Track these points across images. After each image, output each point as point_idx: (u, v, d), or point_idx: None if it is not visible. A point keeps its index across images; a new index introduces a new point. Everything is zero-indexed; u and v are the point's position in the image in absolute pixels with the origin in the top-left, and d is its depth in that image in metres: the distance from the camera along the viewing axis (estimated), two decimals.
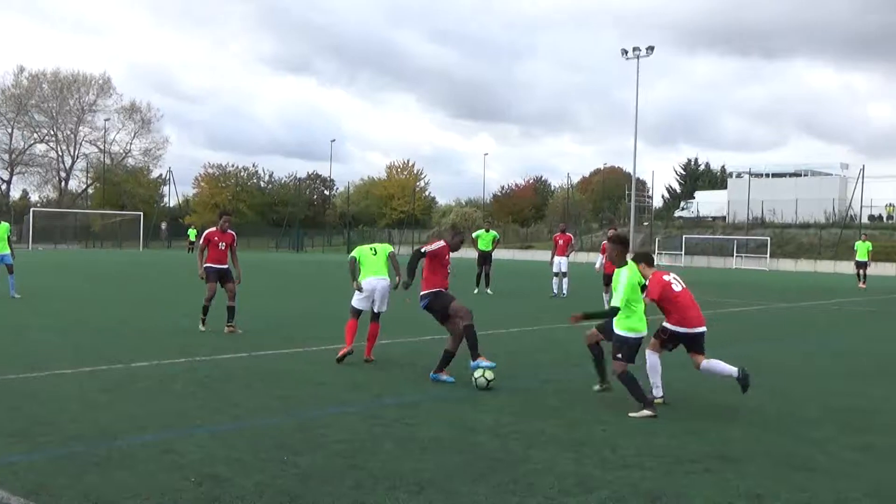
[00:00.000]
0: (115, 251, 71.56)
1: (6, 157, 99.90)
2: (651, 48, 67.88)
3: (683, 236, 69.85)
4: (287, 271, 40.28)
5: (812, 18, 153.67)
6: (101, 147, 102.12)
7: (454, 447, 7.17)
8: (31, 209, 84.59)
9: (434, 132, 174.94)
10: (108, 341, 13.46)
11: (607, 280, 20.22)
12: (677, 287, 9.45)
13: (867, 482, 6.50)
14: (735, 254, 65.52)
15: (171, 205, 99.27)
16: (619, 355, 8.92)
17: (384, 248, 12.30)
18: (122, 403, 8.69)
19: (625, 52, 69.23)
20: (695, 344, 9.37)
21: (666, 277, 9.49)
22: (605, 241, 21.11)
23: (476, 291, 25.57)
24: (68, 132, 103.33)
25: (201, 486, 5.91)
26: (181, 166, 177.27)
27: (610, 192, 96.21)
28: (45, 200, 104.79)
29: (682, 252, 67.76)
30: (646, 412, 8.61)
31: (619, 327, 9.00)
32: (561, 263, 25.76)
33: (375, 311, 12.01)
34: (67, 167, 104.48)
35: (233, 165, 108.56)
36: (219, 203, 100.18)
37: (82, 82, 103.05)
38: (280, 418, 8.15)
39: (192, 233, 68.96)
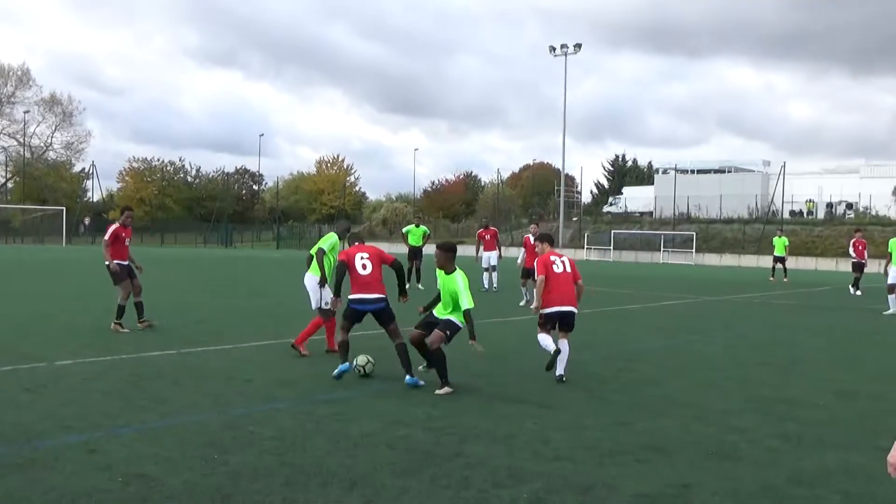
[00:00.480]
0: (37, 247, 69.67)
1: None
2: (578, 46, 68.62)
3: (612, 231, 70.83)
4: (215, 267, 39.76)
5: (734, 18, 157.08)
6: (21, 140, 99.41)
7: (386, 442, 7.16)
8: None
9: (363, 127, 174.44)
10: (29, 338, 13.10)
11: (526, 273, 20.75)
12: (558, 269, 10.78)
13: (789, 468, 6.67)
14: (662, 248, 66.70)
15: (95, 199, 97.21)
16: (448, 333, 9.86)
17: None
18: (44, 402, 8.48)
19: (553, 49, 69.88)
20: (563, 323, 10.72)
21: (552, 258, 10.87)
22: (526, 236, 21.67)
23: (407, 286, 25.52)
24: None
25: (129, 486, 5.79)
26: (105, 160, 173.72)
27: (539, 187, 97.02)
28: None
29: (611, 247, 68.72)
30: (447, 389, 9.57)
31: (455, 318, 9.95)
32: (490, 258, 25.93)
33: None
34: None
35: (158, 159, 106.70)
36: (144, 198, 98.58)
37: (0, 73, 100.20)
38: (209, 415, 8.04)
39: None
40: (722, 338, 15.72)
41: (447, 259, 10.07)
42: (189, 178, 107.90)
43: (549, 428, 7.88)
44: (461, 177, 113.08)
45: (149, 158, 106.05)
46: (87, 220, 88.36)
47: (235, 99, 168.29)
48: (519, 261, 22.11)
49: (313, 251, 12.24)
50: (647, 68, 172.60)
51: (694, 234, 66.39)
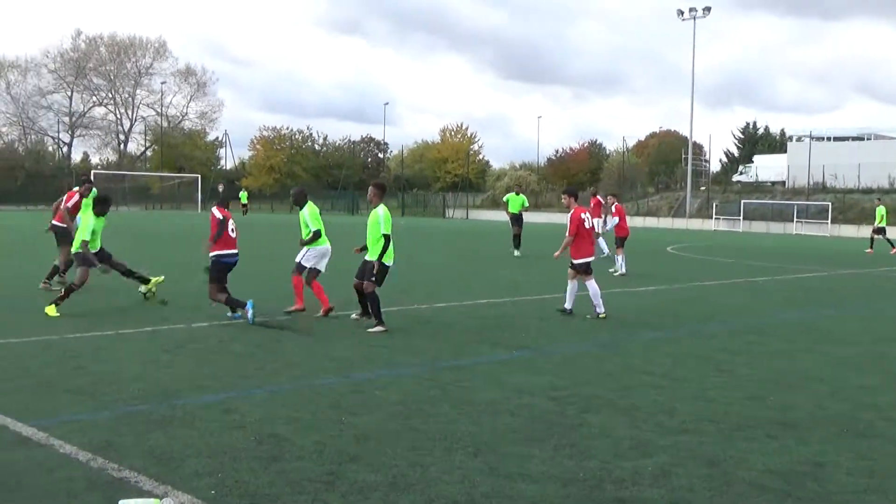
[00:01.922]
0: (173, 213, 72.56)
1: (67, 119, 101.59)
2: (708, 9, 66.55)
3: (742, 201, 68.72)
4: (342, 233, 40.62)
5: None
6: (158, 110, 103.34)
7: (510, 410, 7.20)
8: (92, 171, 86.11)
9: (486, 94, 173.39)
10: (169, 302, 13.72)
11: (619, 242, 21.16)
12: (588, 225, 12.85)
13: None
14: (795, 219, 64.37)
15: (228, 167, 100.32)
16: (373, 279, 11.32)
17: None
18: (182, 363, 8.87)
19: (681, 12, 67.96)
20: (589, 269, 12.93)
21: (583, 215, 12.80)
22: (617, 205, 22.27)
23: (517, 254, 25.87)
24: (126, 95, 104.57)
25: (262, 445, 6.02)
26: (237, 129, 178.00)
27: (666, 156, 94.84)
28: (105, 163, 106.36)
29: (741, 217, 66.76)
30: (379, 328, 11.07)
31: (384, 260, 11.42)
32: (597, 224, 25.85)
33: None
34: (126, 130, 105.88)
35: (287, 128, 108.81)
36: (274, 165, 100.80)
37: (138, 46, 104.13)
38: (337, 379, 8.25)
39: (243, 195, 68.18)
40: (857, 312, 15.13)
41: (376, 195, 11.69)
42: (316, 147, 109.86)
43: (674, 399, 7.77)
44: (585, 145, 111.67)
45: (278, 127, 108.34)
46: (220, 187, 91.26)
47: (360, 67, 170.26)
48: (608, 227, 22.79)
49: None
50: (778, 31, 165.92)
51: (829, 204, 63.79)
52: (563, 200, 13.39)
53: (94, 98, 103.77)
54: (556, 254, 13.36)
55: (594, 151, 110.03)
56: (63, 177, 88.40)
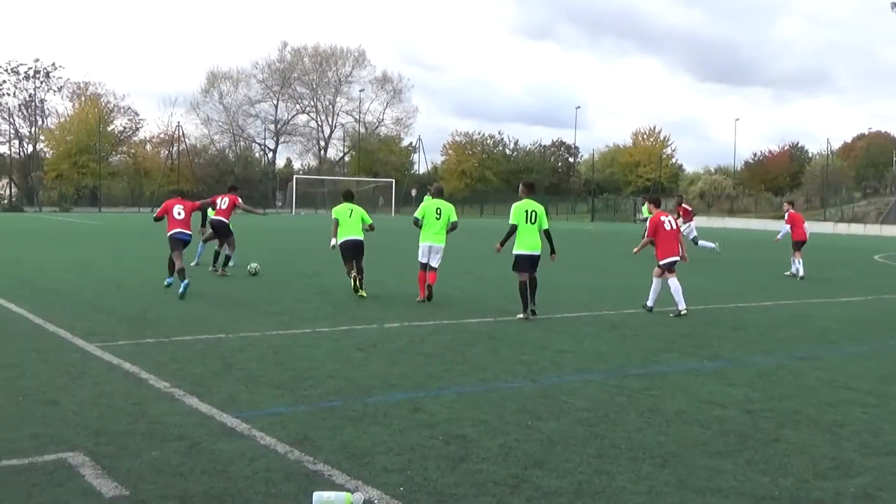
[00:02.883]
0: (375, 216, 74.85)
1: (272, 127, 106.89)
2: None
3: None
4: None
5: None
6: (356, 117, 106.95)
7: (700, 421, 6.99)
8: (295, 176, 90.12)
9: (679, 97, 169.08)
10: (362, 302, 14.20)
11: (796, 247, 21.55)
12: (668, 227, 14.07)
13: None
14: None
15: (421, 172, 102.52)
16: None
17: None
18: (375, 362, 9.15)
19: (894, 5, 63.96)
20: (672, 266, 14.08)
21: (662, 218, 14.12)
22: (791, 212, 22.50)
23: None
24: (327, 103, 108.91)
25: (449, 445, 6.11)
26: (429, 134, 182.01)
27: (875, 158, 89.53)
28: (306, 168, 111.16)
29: None
30: (520, 315, 12.86)
31: (514, 248, 13.21)
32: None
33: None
34: (326, 136, 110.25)
35: (479, 133, 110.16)
36: (465, 170, 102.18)
37: (339, 55, 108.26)
38: (523, 383, 8.27)
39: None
40: None
41: (523, 192, 13.61)
42: (507, 151, 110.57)
43: (881, 418, 7.30)
44: (786, 147, 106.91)
45: (469, 132, 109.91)
46: (413, 192, 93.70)
47: (551, 71, 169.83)
48: (780, 236, 23.31)
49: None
50: None
51: None
52: (646, 206, 15.21)
53: (298, 106, 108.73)
54: (635, 250, 15.33)
55: (795, 154, 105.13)
56: (268, 181, 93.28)
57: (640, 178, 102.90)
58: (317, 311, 13.09)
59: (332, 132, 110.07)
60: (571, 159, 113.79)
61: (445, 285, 16.62)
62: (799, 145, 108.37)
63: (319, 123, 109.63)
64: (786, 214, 22.81)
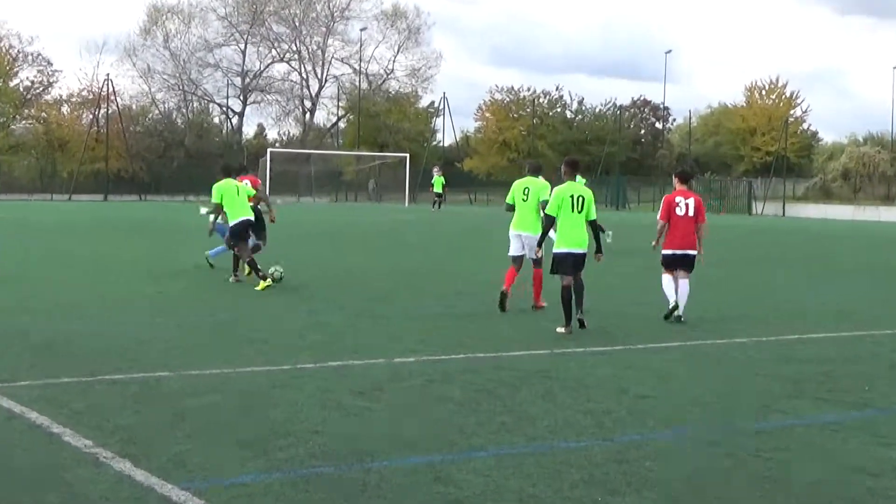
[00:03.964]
0: (373, 206, 74.96)
1: (238, 81, 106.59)
2: None
3: None
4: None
5: None
6: (356, 67, 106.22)
7: (845, 496, 6.94)
8: (269, 150, 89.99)
9: (815, 37, 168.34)
10: (361, 327, 14.27)
11: None
12: (681, 211, 15.35)
13: None
14: None
15: (446, 143, 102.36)
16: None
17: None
18: (380, 411, 9.15)
19: None
20: (682, 263, 15.44)
21: (678, 198, 15.46)
22: None
23: None
24: (314, 47, 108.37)
25: None
26: (458, 91, 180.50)
27: None
28: (285, 138, 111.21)
29: None
30: (561, 329, 14.00)
31: (555, 246, 14.48)
32: None
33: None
34: (313, 94, 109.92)
35: (527, 89, 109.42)
36: (508, 141, 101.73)
37: None
38: (591, 441, 8.25)
39: (438, 181, 65.46)
40: None
41: (566, 172, 14.90)
42: (568, 114, 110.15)
43: None
44: None
45: (515, 88, 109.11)
46: (435, 170, 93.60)
47: (627, 3, 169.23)
48: None
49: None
50: None
51: None
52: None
53: (274, 52, 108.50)
54: (654, 242, 15.98)
55: None
56: (232, 156, 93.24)
57: (757, 152, 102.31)
58: (301, 338, 13.17)
59: (321, 88, 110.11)
60: (659, 125, 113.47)
61: (481, 300, 16.64)
62: None
63: (304, 76, 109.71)
64: None
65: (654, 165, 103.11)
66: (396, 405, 9.43)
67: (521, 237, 16.06)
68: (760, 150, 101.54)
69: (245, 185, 19.84)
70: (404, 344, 12.87)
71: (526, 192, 16.13)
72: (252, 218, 18.98)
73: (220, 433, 8.21)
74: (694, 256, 15.55)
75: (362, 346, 12.67)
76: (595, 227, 14.50)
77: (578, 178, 16.16)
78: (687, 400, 10.00)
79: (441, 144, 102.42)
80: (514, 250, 16.21)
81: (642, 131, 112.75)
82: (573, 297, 13.97)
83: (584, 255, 14.30)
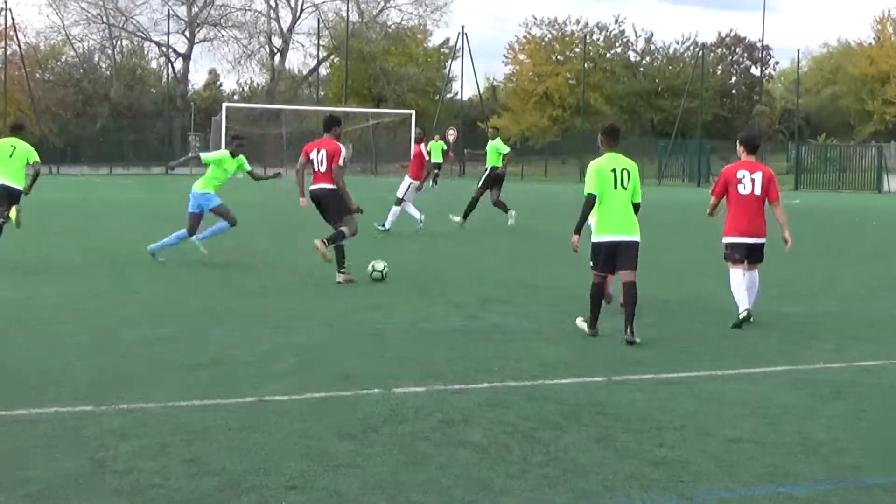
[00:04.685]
0: (373, 180, 74.79)
1: (183, 11, 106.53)
2: None
3: None
4: (687, 218, 40.37)
5: None
6: None
7: None
8: (225, 105, 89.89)
9: None
10: (351, 347, 14.39)
11: None
12: (745, 189, 16.29)
13: None
14: None
15: (465, 96, 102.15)
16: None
17: None
18: (376, 459, 9.15)
19: None
20: (751, 254, 16.44)
21: (740, 173, 16.47)
22: None
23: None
24: None
25: None
26: (480, 27, 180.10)
27: None
28: (246, 89, 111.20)
29: None
30: (584, 326, 15.30)
31: (595, 232, 15.16)
32: None
33: None
34: (284, 29, 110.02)
35: (576, 21, 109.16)
36: (550, 93, 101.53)
37: None
38: (664, 499, 8.24)
39: (437, 147, 63.66)
40: None
41: (603, 142, 15.66)
42: (632, 56, 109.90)
43: None
44: None
45: (560, 20, 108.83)
46: (451, 133, 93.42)
47: None
48: None
49: None
50: None
51: None
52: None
53: None
54: (709, 212, 17.28)
55: None
56: (174, 114, 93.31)
57: (890, 107, 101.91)
58: (270, 361, 13.21)
59: (295, 21, 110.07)
60: (756, 70, 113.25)
61: (513, 309, 16.63)
62: None
63: (272, 4, 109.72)
64: None
65: (748, 126, 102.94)
66: (398, 452, 9.41)
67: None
68: (894, 104, 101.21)
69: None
70: (409, 369, 12.91)
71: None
72: (15, 186, 21.37)
73: (156, 490, 8.21)
74: (762, 245, 16.55)
75: (352, 372, 12.67)
76: (636, 210, 15.20)
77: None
78: (796, 446, 9.97)
79: (459, 98, 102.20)
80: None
81: (733, 79, 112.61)
82: (627, 303, 14.82)
83: (634, 243, 15.04)
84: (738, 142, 17.26)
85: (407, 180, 34.30)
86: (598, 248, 14.93)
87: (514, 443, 9.76)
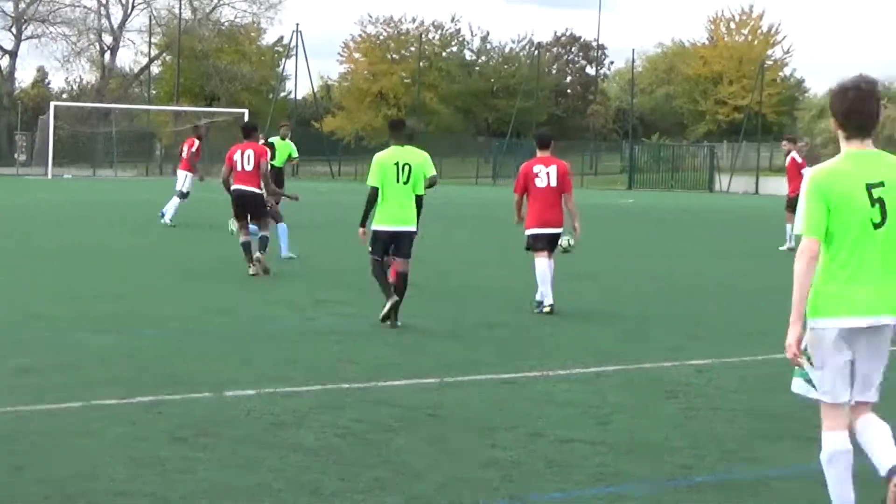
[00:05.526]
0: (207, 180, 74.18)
1: (9, 7, 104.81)
2: None
3: None
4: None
5: None
6: None
7: None
8: (53, 104, 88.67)
9: None
10: (184, 349, 14.30)
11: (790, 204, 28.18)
12: (540, 182, 17.63)
13: None
14: None
15: (299, 95, 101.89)
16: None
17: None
18: (206, 463, 9.11)
19: None
20: (550, 244, 17.76)
21: (536, 168, 17.78)
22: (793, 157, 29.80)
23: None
24: None
25: None
26: (316, 25, 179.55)
27: None
28: (76, 87, 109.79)
29: None
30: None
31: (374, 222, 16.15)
32: None
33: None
34: (115, 25, 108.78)
35: (413, 20, 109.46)
36: (385, 92, 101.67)
37: None
38: (497, 502, 8.29)
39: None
40: None
41: (390, 136, 16.96)
42: (468, 55, 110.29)
43: None
44: None
45: (395, 19, 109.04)
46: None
47: None
48: None
49: None
50: None
51: None
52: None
53: None
54: (517, 218, 18.27)
55: None
56: (0, 113, 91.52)
57: (722, 107, 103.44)
58: (99, 364, 13.07)
59: (126, 18, 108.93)
60: (592, 70, 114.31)
61: (350, 310, 16.63)
62: None
63: (103, 1, 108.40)
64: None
65: (582, 127, 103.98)
66: (229, 456, 9.36)
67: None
68: (727, 104, 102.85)
69: None
70: (241, 372, 12.85)
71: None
72: None
73: None
74: (559, 235, 18.03)
75: (183, 375, 12.60)
76: (419, 204, 16.56)
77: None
78: (627, 446, 10.09)
79: (293, 96, 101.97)
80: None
81: (569, 79, 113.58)
82: (398, 292, 15.97)
83: (408, 233, 16.25)
84: (533, 140, 19.11)
85: (183, 174, 36.23)
86: (376, 235, 16.15)
87: (345, 445, 9.77)
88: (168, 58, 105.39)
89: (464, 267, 24.76)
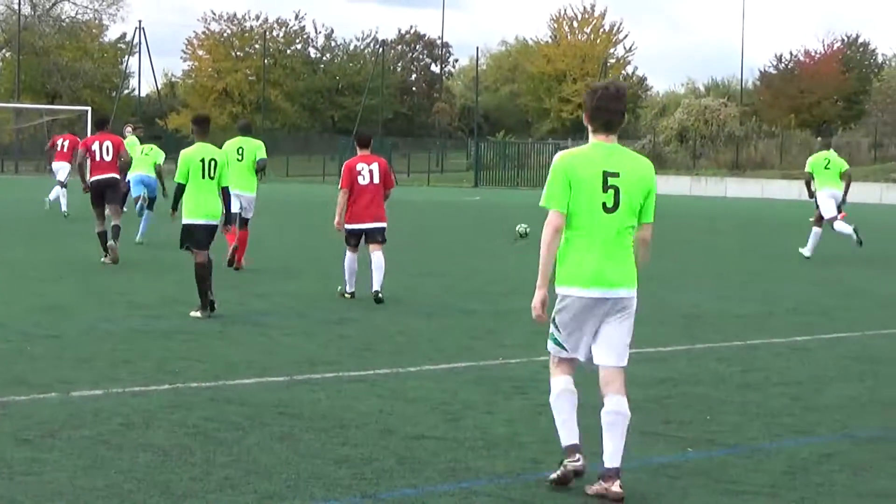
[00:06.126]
0: (37, 180, 73.43)
1: None
2: None
3: None
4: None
5: None
6: None
7: None
8: None
9: None
10: (31, 350, 14.06)
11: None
12: (364, 180, 18.62)
13: None
14: None
15: (143, 93, 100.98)
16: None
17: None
18: (53, 465, 8.99)
19: None
20: (373, 236, 18.77)
21: (359, 166, 18.73)
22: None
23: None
24: None
25: None
26: (159, 22, 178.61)
27: None
28: None
29: None
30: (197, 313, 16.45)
31: (185, 216, 17.15)
32: None
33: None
34: None
35: (256, 17, 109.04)
36: (230, 89, 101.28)
37: None
38: (347, 499, 8.29)
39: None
40: None
41: (195, 132, 17.66)
42: (313, 52, 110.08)
43: None
44: (836, 47, 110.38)
45: (239, 16, 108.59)
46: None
47: None
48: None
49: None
50: None
51: None
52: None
53: None
54: (337, 220, 19.11)
55: (853, 58, 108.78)
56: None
57: (566, 105, 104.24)
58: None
59: None
60: (437, 68, 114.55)
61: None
62: (860, 42, 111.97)
63: None
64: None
65: (429, 123, 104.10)
66: (77, 457, 9.25)
67: (239, 197, 20.70)
68: (571, 101, 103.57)
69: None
70: (87, 372, 12.71)
71: (240, 152, 20.52)
72: None
73: None
74: (384, 229, 19.05)
75: (28, 376, 12.40)
76: (227, 198, 17.74)
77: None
78: (478, 441, 10.14)
79: (137, 94, 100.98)
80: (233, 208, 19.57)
81: (414, 76, 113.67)
82: (210, 276, 16.75)
83: (214, 226, 17.46)
84: (353, 140, 20.27)
85: (59, 164, 38.51)
86: (188, 229, 16.99)
87: (196, 444, 9.71)
88: (8, 54, 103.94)
89: (312, 264, 24.73)
